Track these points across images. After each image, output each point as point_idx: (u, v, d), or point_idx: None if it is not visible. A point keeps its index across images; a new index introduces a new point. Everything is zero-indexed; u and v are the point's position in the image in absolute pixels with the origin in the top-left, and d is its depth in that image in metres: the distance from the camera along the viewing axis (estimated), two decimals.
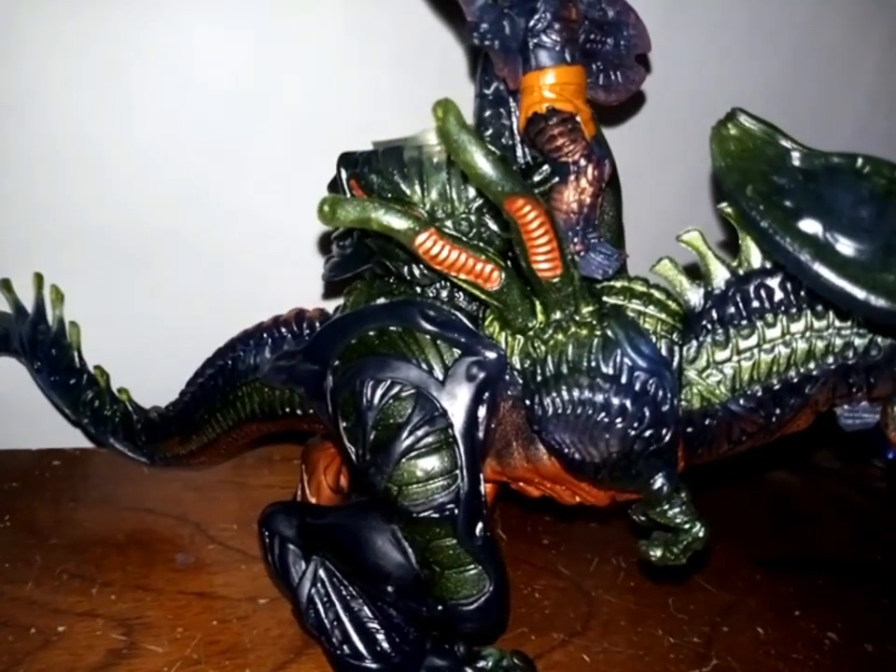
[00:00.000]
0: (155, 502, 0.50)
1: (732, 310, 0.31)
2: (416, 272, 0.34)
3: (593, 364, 0.31)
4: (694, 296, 0.32)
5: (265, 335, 0.40)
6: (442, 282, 0.35)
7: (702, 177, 0.59)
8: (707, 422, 0.32)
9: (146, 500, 0.50)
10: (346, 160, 0.35)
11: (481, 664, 0.38)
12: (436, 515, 0.32)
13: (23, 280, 0.50)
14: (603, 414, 0.30)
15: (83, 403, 0.49)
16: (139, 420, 0.47)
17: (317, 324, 0.39)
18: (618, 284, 0.33)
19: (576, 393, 0.31)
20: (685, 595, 0.48)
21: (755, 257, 0.31)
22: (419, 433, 0.33)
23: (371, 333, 0.35)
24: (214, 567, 0.45)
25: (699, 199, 0.59)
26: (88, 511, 0.49)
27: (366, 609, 0.36)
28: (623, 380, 0.30)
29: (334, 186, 0.36)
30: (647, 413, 0.30)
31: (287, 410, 0.39)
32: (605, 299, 0.33)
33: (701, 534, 0.32)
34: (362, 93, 0.51)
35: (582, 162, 0.32)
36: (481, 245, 0.32)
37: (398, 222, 0.30)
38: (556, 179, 0.33)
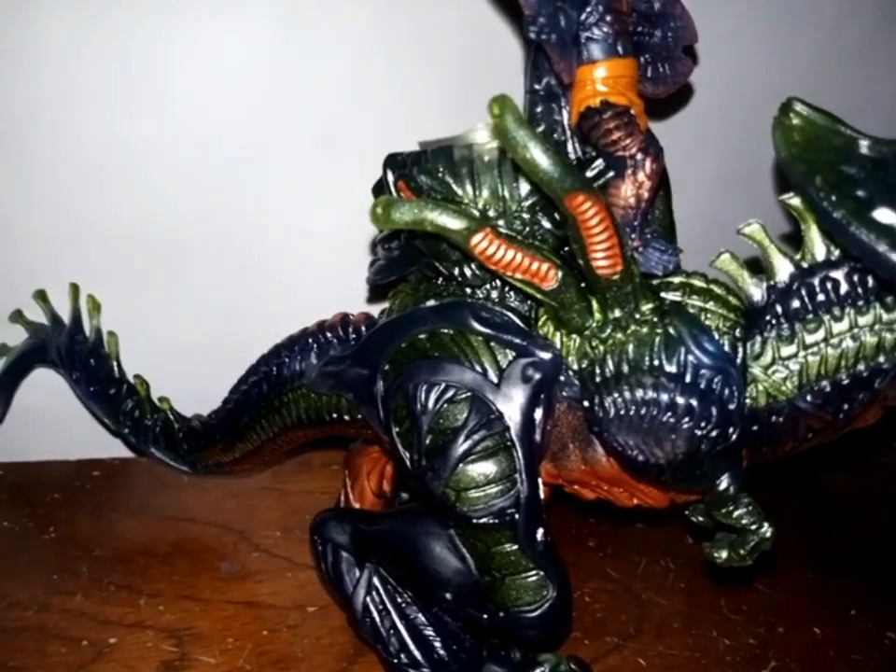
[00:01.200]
0: (196, 511, 0.50)
1: (797, 304, 0.30)
2: (468, 272, 0.33)
3: (655, 363, 0.30)
4: (757, 290, 0.31)
5: (310, 340, 0.39)
6: (493, 282, 0.34)
7: (733, 168, 0.58)
8: (772, 419, 0.31)
9: (187, 509, 0.50)
10: (393, 161, 0.34)
11: (538, 670, 0.37)
12: (496, 521, 0.32)
13: (59, 290, 0.49)
14: (669, 414, 0.29)
15: (123, 413, 0.48)
16: (181, 429, 0.47)
17: (363, 328, 0.38)
18: (676, 280, 0.33)
19: (639, 393, 0.30)
20: (737, 596, 0.47)
21: (819, 249, 0.30)
22: (476, 437, 0.32)
23: (422, 336, 0.34)
24: (260, 576, 0.45)
25: (730, 190, 0.58)
26: (130, 521, 0.49)
27: (421, 616, 0.36)
28: (688, 378, 0.29)
29: (379, 188, 0.36)
30: (714, 413, 0.29)
31: (335, 415, 0.38)
32: (663, 295, 0.32)
33: (768, 534, 0.31)
34: (391, 94, 0.50)
35: (639, 156, 0.32)
36: (535, 243, 0.32)
37: (453, 222, 0.29)
38: (611, 174, 0.32)
